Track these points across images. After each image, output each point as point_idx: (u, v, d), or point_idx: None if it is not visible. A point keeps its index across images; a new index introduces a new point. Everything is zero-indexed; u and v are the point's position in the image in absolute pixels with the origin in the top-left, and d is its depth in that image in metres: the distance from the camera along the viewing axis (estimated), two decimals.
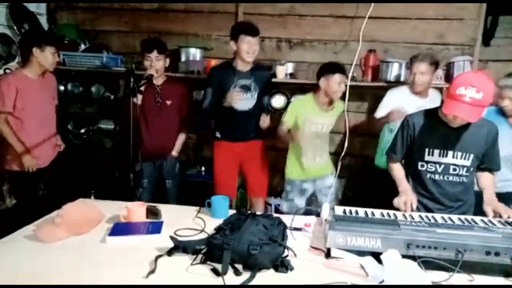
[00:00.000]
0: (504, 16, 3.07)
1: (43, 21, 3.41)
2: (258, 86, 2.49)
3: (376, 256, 1.26)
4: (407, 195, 1.72)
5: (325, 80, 2.38)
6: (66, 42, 3.23)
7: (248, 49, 2.36)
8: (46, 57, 2.37)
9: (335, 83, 2.36)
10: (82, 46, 3.38)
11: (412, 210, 1.66)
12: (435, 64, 2.49)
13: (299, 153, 2.52)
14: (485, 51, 3.13)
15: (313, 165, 2.56)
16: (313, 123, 2.48)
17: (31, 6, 3.25)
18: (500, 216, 1.58)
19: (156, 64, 2.46)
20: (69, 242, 1.45)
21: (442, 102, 1.70)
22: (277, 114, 3.00)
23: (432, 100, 2.47)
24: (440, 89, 2.62)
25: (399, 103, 2.51)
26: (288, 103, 3.14)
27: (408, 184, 1.83)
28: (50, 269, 1.25)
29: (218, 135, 2.59)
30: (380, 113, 2.63)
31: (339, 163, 2.13)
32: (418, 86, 2.46)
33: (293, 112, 2.47)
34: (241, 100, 2.43)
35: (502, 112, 2.25)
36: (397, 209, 1.68)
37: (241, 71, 2.44)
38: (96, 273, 1.23)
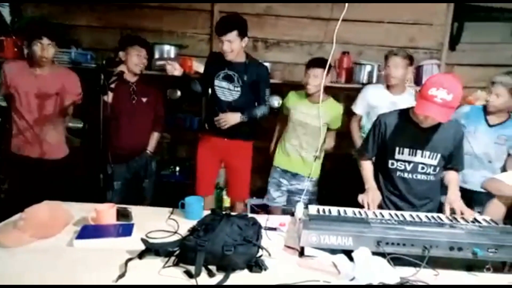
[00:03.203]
0: (469, 22, 3.22)
1: (6, 12, 3.23)
2: (244, 80, 2.40)
3: (348, 253, 1.29)
4: (372, 193, 1.78)
5: (305, 73, 2.51)
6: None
7: (224, 47, 2.30)
8: (34, 50, 2.27)
9: (308, 77, 2.47)
10: None
11: (373, 208, 1.71)
12: (410, 59, 2.56)
13: (284, 138, 2.67)
14: (452, 55, 3.27)
15: (295, 155, 2.62)
16: (298, 111, 2.59)
17: None
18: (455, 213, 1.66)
19: (141, 60, 2.44)
20: (34, 246, 1.38)
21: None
22: None
23: (406, 99, 2.56)
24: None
25: (373, 99, 2.61)
26: None
27: (374, 182, 1.88)
28: (13, 276, 1.19)
29: (206, 126, 2.54)
30: (356, 107, 2.72)
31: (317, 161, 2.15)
32: (392, 79, 2.53)
33: (285, 102, 2.71)
34: (224, 89, 2.41)
35: (484, 111, 2.35)
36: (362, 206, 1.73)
37: (231, 62, 2.38)
38: (63, 279, 1.18)
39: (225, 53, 2.30)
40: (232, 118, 2.37)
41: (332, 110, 2.59)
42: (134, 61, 2.43)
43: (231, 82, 2.41)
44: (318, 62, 2.43)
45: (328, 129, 2.63)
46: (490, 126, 2.33)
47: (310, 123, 2.56)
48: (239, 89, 2.42)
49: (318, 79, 2.41)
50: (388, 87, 2.60)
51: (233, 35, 2.24)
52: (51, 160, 2.43)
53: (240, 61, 2.39)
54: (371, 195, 1.77)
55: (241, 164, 2.57)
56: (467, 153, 2.22)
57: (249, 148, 2.59)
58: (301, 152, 2.60)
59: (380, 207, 1.86)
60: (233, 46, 2.27)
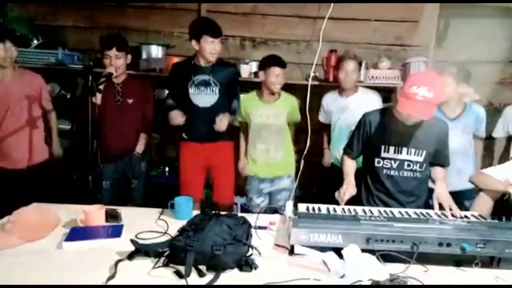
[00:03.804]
0: (455, 19, 3.27)
1: None
2: (219, 82, 2.41)
3: (338, 251, 1.30)
4: (346, 186, 1.80)
5: (264, 73, 2.49)
6: (17, 35, 3.02)
7: (212, 50, 2.32)
8: None
9: (273, 75, 2.46)
10: (35, 42, 3.17)
11: (344, 200, 1.73)
12: (360, 63, 2.66)
13: (249, 145, 2.64)
14: (439, 52, 3.31)
15: (266, 159, 2.59)
16: (256, 114, 2.57)
17: None
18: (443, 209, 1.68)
19: (115, 62, 2.37)
20: (22, 249, 1.37)
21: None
22: None
23: (359, 97, 2.63)
24: (393, 88, 2.76)
25: (328, 105, 2.73)
26: None
27: (353, 178, 1.89)
28: (2, 278, 1.17)
29: (184, 135, 2.50)
30: (320, 116, 2.82)
31: (302, 161, 2.17)
32: (347, 83, 2.59)
33: (241, 108, 2.62)
34: (201, 95, 2.39)
35: (437, 107, 2.39)
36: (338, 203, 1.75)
37: (200, 67, 2.39)
38: (52, 280, 1.17)
39: (214, 54, 2.32)
40: (226, 119, 2.39)
41: (287, 102, 2.61)
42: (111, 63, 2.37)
43: (208, 86, 2.40)
44: (278, 61, 2.48)
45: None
46: (451, 120, 2.36)
47: (273, 123, 2.57)
48: (217, 91, 2.41)
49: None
50: (340, 91, 2.68)
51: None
52: (32, 166, 2.39)
53: (208, 65, 2.39)
54: (345, 188, 1.79)
55: (225, 165, 2.55)
56: None
57: (231, 148, 2.59)
58: (268, 152, 2.59)
59: (369, 205, 1.89)
60: (218, 48, 2.32)
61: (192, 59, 2.43)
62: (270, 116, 2.56)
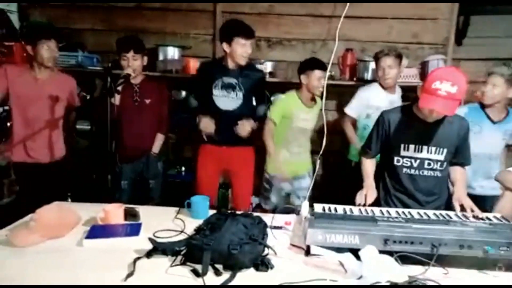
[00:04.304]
0: (475, 16, 3.18)
1: (14, 18, 3.28)
2: (244, 87, 2.36)
3: (355, 252, 1.28)
4: (367, 189, 1.77)
5: (306, 76, 2.46)
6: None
7: (243, 52, 2.28)
8: (39, 52, 2.28)
9: (315, 79, 2.44)
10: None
11: (365, 205, 1.70)
12: (400, 57, 2.56)
13: (280, 148, 2.56)
14: (458, 50, 3.23)
15: (293, 161, 2.59)
16: (299, 118, 2.53)
17: (1, 3, 3.13)
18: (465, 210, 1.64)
19: (133, 64, 2.41)
20: (45, 246, 1.40)
21: (414, 98, 1.75)
22: None
23: (400, 96, 2.60)
24: (414, 87, 2.69)
25: (374, 99, 2.58)
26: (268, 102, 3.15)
27: (373, 180, 1.87)
28: (25, 275, 1.21)
29: (204, 138, 2.44)
30: (350, 109, 2.68)
31: (318, 161, 2.16)
32: (388, 79, 2.53)
33: (280, 109, 2.52)
34: (225, 98, 2.36)
35: (482, 109, 2.32)
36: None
37: (229, 69, 2.35)
38: (73, 277, 1.20)
39: (245, 56, 2.29)
40: (249, 125, 2.33)
41: (319, 105, 2.58)
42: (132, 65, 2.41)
43: (233, 90, 2.36)
44: (319, 64, 2.45)
45: None
46: (494, 123, 2.29)
47: (309, 128, 2.57)
48: (241, 96, 2.37)
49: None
50: (383, 87, 2.60)
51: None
52: (55, 162, 2.46)
53: (237, 67, 2.36)
54: (365, 191, 1.76)
55: (245, 171, 2.52)
56: (474, 156, 2.20)
57: (251, 153, 2.54)
58: (297, 155, 2.59)
59: (387, 205, 1.85)
60: (249, 50, 2.29)
61: (221, 60, 2.40)
62: (309, 121, 2.55)
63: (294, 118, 2.52)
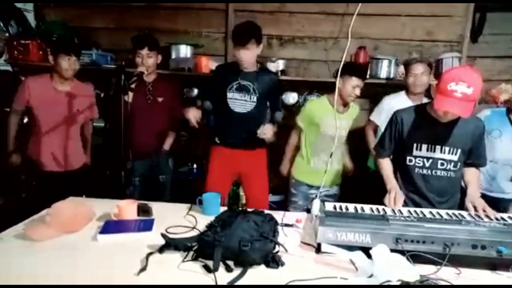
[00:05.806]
0: (491, 13, 3.12)
1: (31, 17, 3.36)
2: (259, 92, 2.32)
3: (366, 251, 1.28)
4: (394, 192, 1.74)
5: (342, 81, 2.31)
6: (54, 39, 3.18)
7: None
8: (59, 64, 2.34)
9: (350, 86, 2.33)
10: None
11: (397, 206, 1.68)
12: (430, 66, 2.56)
13: (310, 154, 2.49)
14: (473, 47, 3.18)
15: (322, 171, 2.37)
16: (327, 124, 2.40)
17: (18, 3, 3.20)
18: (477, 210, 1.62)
19: (147, 61, 2.44)
20: (60, 240, 1.44)
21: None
22: None
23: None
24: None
25: (396, 108, 2.53)
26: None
27: (395, 181, 1.84)
28: (41, 268, 1.24)
29: (216, 140, 2.44)
30: (375, 117, 2.67)
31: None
32: (418, 87, 2.51)
33: (308, 114, 2.46)
34: (239, 101, 2.33)
35: (508, 114, 2.27)
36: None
37: (246, 72, 2.32)
38: (87, 271, 1.23)
39: (243, 62, 2.24)
40: (271, 129, 2.26)
41: (354, 111, 2.53)
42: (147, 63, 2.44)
43: (247, 93, 2.33)
44: (358, 71, 2.36)
45: None
46: None
47: (340, 135, 2.38)
48: (255, 99, 2.33)
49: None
50: (408, 94, 2.58)
51: (252, 43, 2.18)
52: (70, 171, 2.51)
53: (252, 70, 2.33)
54: (393, 194, 1.72)
55: (259, 173, 2.47)
56: (492, 161, 2.16)
57: (264, 155, 2.51)
58: (327, 163, 2.35)
59: None
60: (251, 55, 2.23)
61: (236, 63, 2.33)
62: (341, 128, 2.36)
63: (322, 124, 2.41)
